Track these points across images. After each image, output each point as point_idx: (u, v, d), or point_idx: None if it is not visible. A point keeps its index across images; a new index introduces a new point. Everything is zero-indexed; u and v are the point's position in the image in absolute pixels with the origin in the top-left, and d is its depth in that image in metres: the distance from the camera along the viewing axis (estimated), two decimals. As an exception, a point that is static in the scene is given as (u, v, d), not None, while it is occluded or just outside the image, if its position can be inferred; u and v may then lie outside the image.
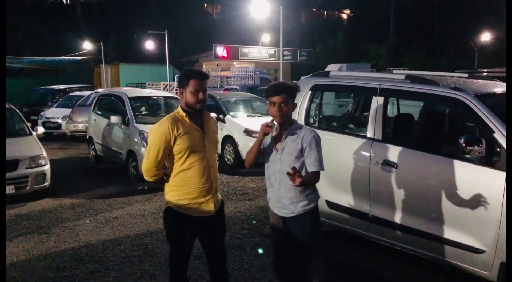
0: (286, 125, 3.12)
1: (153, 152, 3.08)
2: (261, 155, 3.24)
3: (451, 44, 38.32)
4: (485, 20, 34.09)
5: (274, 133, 3.17)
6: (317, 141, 3.08)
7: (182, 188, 3.12)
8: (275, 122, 3.12)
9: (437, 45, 40.85)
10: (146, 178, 3.24)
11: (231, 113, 10.49)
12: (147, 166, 3.16)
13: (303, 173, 3.07)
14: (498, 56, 29.36)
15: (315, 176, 3.09)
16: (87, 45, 37.16)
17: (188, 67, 39.22)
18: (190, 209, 3.13)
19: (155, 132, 3.09)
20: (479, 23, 33.99)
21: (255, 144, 3.21)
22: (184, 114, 3.12)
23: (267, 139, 3.20)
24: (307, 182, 3.04)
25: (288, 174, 2.88)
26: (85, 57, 37.63)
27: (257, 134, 3.25)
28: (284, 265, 3.27)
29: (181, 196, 3.13)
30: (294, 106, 3.14)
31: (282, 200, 3.15)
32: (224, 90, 19.38)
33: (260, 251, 3.64)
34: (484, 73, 8.39)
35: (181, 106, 3.17)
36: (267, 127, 3.05)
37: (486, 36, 33.29)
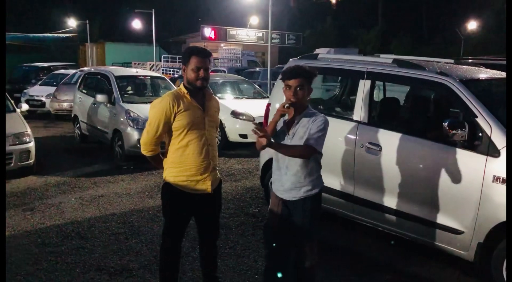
0: (300, 111, 3.08)
1: (153, 126, 3.11)
2: (274, 137, 3.20)
3: (438, 32, 38.53)
4: (472, 9, 34.28)
5: (287, 118, 3.15)
6: (325, 125, 3.04)
7: (179, 164, 3.15)
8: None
9: (424, 32, 41.03)
10: (143, 152, 3.27)
11: (218, 95, 10.44)
12: (146, 140, 3.19)
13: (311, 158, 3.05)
14: (483, 45, 29.64)
15: (304, 149, 2.99)
16: (72, 23, 36.38)
17: (175, 47, 38.80)
18: (187, 186, 3.17)
19: (156, 107, 3.11)
20: (466, 11, 34.19)
21: (269, 125, 3.17)
22: (185, 91, 3.13)
23: (280, 123, 3.18)
24: (286, 151, 3.02)
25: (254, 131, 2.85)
26: (70, 35, 36.87)
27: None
28: (277, 247, 3.28)
29: (179, 173, 3.16)
30: (310, 91, 3.11)
31: (286, 183, 3.14)
32: (211, 72, 19.28)
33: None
34: (469, 60, 8.48)
35: (183, 83, 3.18)
36: (283, 108, 3.02)
37: (472, 25, 33.52)
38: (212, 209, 3.37)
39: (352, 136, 4.55)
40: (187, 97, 3.12)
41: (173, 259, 3.35)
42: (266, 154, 5.05)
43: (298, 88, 3.01)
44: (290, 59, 5.65)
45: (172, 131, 3.12)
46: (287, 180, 3.14)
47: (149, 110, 3.18)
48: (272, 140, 3.01)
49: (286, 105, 3.02)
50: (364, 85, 4.60)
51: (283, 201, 3.19)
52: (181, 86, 3.18)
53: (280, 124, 3.19)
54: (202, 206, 3.28)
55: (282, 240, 3.26)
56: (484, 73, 4.57)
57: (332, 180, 4.74)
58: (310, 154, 3.01)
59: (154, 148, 3.22)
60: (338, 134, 4.67)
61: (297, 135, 3.06)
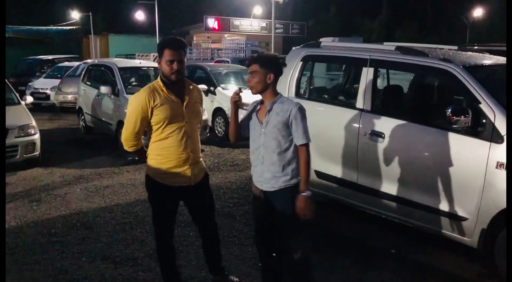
0: (270, 98, 3.04)
1: (131, 122, 3.08)
2: (244, 128, 3.20)
3: (443, 20, 38.15)
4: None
5: (258, 107, 3.12)
6: (303, 113, 2.97)
7: (159, 156, 3.14)
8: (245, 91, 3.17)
9: (429, 20, 40.64)
10: (125, 148, 3.25)
11: (222, 85, 10.45)
12: (125, 136, 3.17)
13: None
14: (489, 32, 29.35)
15: (306, 150, 2.98)
16: (76, 15, 36.38)
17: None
18: (167, 178, 3.15)
19: (133, 103, 3.07)
20: (471, -2, 33.82)
21: (231, 117, 3.20)
22: (162, 84, 3.08)
23: (253, 115, 3.14)
24: (307, 171, 2.97)
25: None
26: (74, 27, 36.88)
27: (247, 107, 3.23)
28: (264, 239, 3.26)
29: (159, 165, 3.15)
30: (271, 78, 2.99)
31: (265, 174, 3.08)
32: (214, 62, 19.26)
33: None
34: (476, 47, 8.41)
35: (160, 76, 3.12)
36: (235, 95, 3.06)
37: (478, 12, 33.18)
38: (200, 202, 3.35)
39: (356, 124, 4.54)
40: (163, 90, 3.06)
41: (166, 247, 3.35)
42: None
43: (254, 74, 2.99)
44: (293, 48, 5.62)
45: (152, 126, 3.09)
46: (265, 170, 3.07)
47: (127, 107, 3.14)
48: (305, 191, 2.97)
49: (237, 92, 3.05)
50: (367, 73, 4.57)
51: (264, 192, 3.13)
52: (158, 79, 3.12)
53: (253, 117, 3.14)
54: (187, 198, 3.29)
55: (268, 233, 3.22)
56: (488, 59, 4.54)
57: (336, 168, 4.75)
58: (309, 149, 3.00)
59: (135, 143, 3.19)
60: (341, 123, 4.66)
61: (270, 124, 3.00)
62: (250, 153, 3.20)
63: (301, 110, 2.98)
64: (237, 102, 3.10)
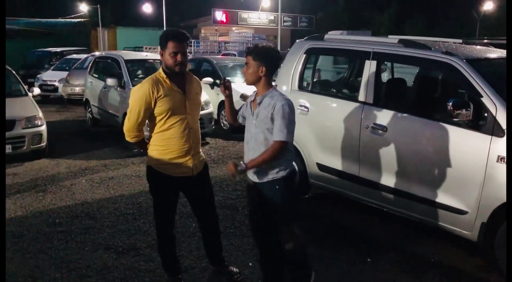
0: (262, 91, 3.04)
1: (134, 113, 3.10)
2: (241, 115, 3.29)
3: (453, 13, 37.76)
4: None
5: (253, 98, 3.14)
6: (286, 110, 2.90)
7: (161, 147, 3.17)
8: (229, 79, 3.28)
9: (439, 13, 40.25)
10: (127, 138, 3.28)
11: (227, 78, 10.42)
12: (128, 127, 3.19)
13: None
14: (499, 25, 29.01)
15: (276, 146, 2.93)
16: (84, 8, 36.50)
17: (186, 31, 38.68)
18: (169, 168, 3.19)
19: (136, 93, 3.09)
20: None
21: (226, 107, 3.31)
22: (164, 76, 3.10)
23: (248, 105, 3.17)
24: (261, 160, 2.96)
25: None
26: (82, 20, 37.03)
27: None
28: (257, 228, 3.29)
29: (160, 156, 3.18)
30: (263, 71, 2.97)
31: None
32: (222, 55, 19.27)
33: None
34: (485, 40, 8.33)
35: (162, 67, 3.14)
36: (222, 86, 3.20)
37: (489, 5, 32.78)
38: (201, 192, 3.39)
39: (358, 117, 4.54)
40: (166, 82, 3.09)
41: (167, 237, 3.39)
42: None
43: (247, 65, 3.02)
44: (297, 41, 5.62)
45: (155, 117, 3.12)
46: None
47: (130, 97, 3.16)
48: (242, 164, 3.02)
49: (224, 82, 3.18)
50: (370, 66, 4.56)
51: (254, 183, 3.15)
52: (160, 70, 3.14)
53: (247, 106, 3.17)
54: (188, 189, 3.34)
55: (260, 222, 3.24)
56: (492, 53, 4.51)
57: (337, 161, 4.76)
58: (282, 148, 2.95)
59: (137, 134, 3.23)
60: (344, 116, 4.66)
61: (259, 117, 3.01)
62: (244, 143, 3.21)
63: (285, 107, 2.91)
64: (226, 91, 3.19)
